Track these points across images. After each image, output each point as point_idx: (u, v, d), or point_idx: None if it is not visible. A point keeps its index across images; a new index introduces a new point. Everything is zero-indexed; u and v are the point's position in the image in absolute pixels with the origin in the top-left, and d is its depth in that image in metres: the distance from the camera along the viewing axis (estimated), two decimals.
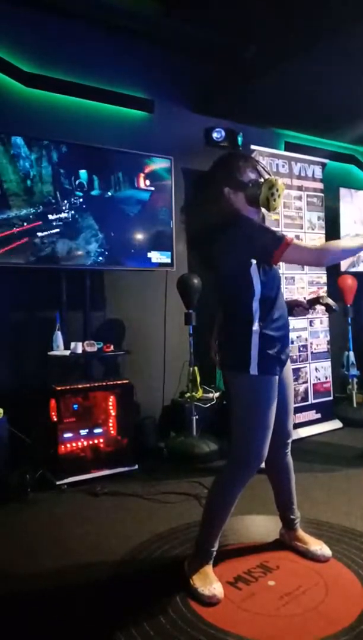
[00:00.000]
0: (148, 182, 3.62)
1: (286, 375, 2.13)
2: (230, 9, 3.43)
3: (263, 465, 2.25)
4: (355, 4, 2.88)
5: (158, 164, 3.68)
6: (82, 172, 3.36)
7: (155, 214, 3.68)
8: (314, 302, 2.26)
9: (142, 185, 3.60)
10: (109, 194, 3.47)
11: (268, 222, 2.18)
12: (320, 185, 4.47)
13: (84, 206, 3.36)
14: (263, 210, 2.03)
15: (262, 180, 1.97)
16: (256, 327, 1.94)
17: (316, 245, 2.05)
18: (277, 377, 2.00)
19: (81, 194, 3.36)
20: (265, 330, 1.94)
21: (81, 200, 3.35)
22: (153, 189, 3.65)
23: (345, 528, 2.48)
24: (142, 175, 3.60)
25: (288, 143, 4.81)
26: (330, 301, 2.23)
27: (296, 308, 2.24)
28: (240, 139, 4.37)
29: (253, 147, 3.97)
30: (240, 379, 1.98)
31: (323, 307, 2.24)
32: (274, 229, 2.05)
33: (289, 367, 2.17)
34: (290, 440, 2.23)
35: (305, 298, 2.29)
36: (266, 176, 1.98)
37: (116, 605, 1.93)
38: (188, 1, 3.46)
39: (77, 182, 3.31)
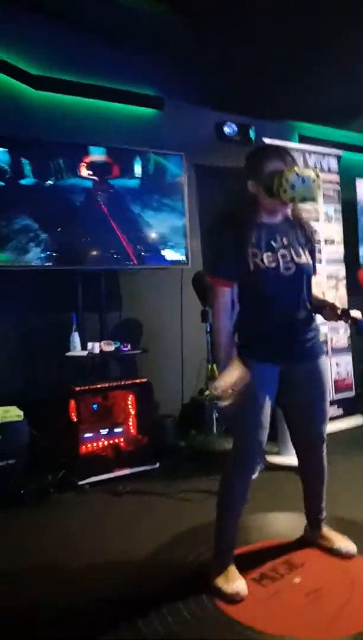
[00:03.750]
0: (90, 172, 3.41)
1: (298, 377, 2.02)
2: (240, 6, 3.39)
3: (296, 464, 2.23)
4: None
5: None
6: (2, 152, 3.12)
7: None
8: (345, 313, 1.98)
9: (84, 174, 3.40)
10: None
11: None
12: (335, 177, 4.40)
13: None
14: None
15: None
16: (239, 322, 2.00)
17: (218, 307, 1.97)
18: (258, 364, 1.93)
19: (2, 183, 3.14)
20: (244, 326, 1.99)
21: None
22: (95, 178, 3.42)
23: None
24: (83, 164, 3.39)
25: (302, 135, 4.74)
26: (358, 314, 1.97)
27: (325, 310, 2.01)
28: (252, 132, 4.33)
29: (265, 140, 3.92)
30: None
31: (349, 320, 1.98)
32: (223, 258, 1.95)
33: (310, 369, 2.04)
34: (318, 444, 2.13)
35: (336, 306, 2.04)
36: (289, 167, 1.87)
37: (141, 601, 1.91)
38: None
39: None
